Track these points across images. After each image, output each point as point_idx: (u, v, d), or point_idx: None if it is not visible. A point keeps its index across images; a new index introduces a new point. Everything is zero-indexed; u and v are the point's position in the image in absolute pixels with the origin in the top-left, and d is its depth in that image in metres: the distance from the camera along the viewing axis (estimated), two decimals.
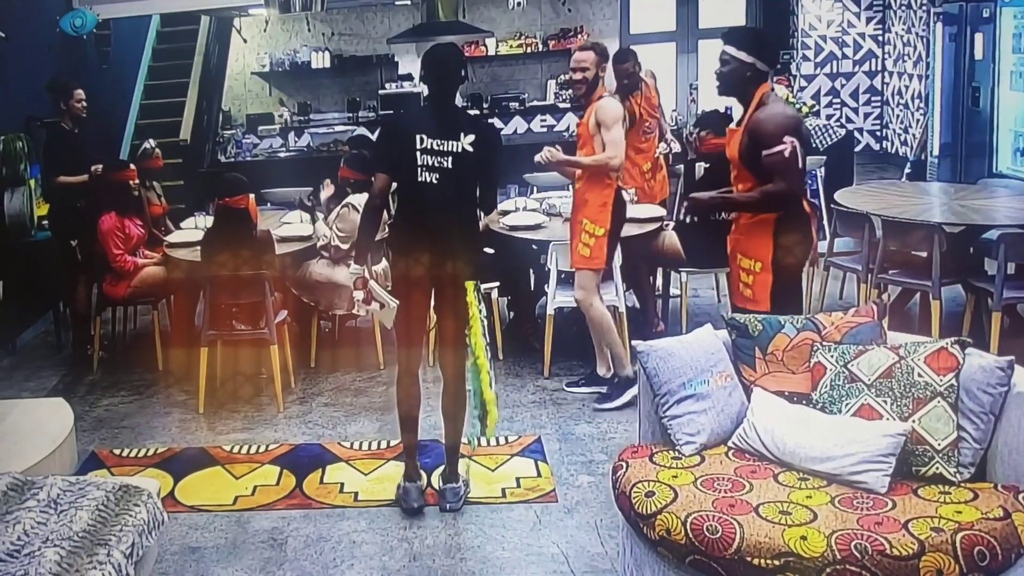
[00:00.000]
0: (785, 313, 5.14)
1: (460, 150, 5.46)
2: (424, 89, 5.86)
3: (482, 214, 6.23)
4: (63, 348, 9.07)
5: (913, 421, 4.17)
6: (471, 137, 5.48)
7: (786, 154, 5.28)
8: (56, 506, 4.27)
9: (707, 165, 8.30)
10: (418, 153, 5.44)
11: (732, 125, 6.11)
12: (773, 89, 5.62)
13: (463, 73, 5.68)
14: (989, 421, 4.15)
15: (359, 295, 5.74)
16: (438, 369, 6.10)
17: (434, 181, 5.46)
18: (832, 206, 8.35)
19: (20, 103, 9.42)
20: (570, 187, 10.50)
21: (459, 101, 5.97)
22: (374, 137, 8.87)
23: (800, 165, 5.34)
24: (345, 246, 7.90)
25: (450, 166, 5.45)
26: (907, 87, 15.96)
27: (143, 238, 8.54)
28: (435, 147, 5.44)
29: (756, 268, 5.53)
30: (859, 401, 4.32)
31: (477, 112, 14.79)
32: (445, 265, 5.57)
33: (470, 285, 5.61)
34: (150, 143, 9.33)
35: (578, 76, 6.81)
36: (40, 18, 10.42)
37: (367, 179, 8.19)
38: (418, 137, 5.43)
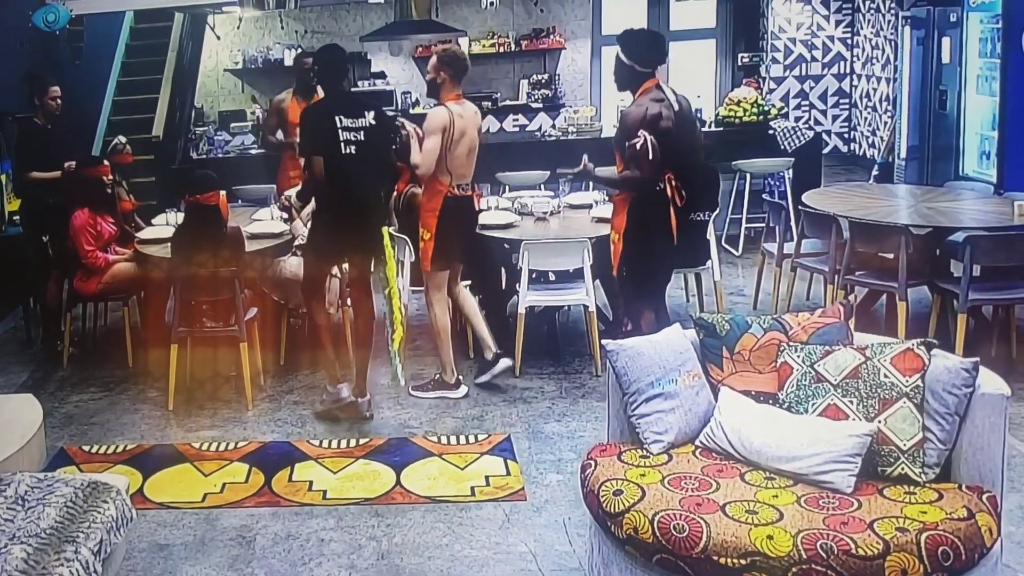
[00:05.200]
0: (634, 280, 6.57)
1: (368, 124, 6.83)
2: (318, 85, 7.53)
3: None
4: (33, 344, 9.03)
5: (879, 421, 4.20)
6: (372, 113, 6.89)
7: (637, 146, 6.16)
8: (24, 503, 4.25)
9: None
10: (339, 131, 6.75)
11: None
12: (659, 86, 6.35)
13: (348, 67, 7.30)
14: (954, 422, 4.19)
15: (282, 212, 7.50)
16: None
17: (353, 152, 6.79)
18: (800, 207, 8.39)
19: None
20: (541, 187, 10.59)
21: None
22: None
23: (650, 156, 6.14)
24: None
25: (363, 138, 6.80)
26: (875, 90, 16.06)
27: (115, 234, 8.51)
28: (350, 124, 6.77)
29: (615, 238, 6.54)
30: (825, 401, 4.35)
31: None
32: (365, 218, 6.99)
33: (385, 230, 7.06)
34: (120, 139, 9.31)
35: (428, 78, 7.32)
36: (12, 13, 10.37)
37: None
38: (337, 118, 6.76)
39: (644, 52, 6.39)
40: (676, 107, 6.31)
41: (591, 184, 10.98)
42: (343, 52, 7.17)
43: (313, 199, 7.25)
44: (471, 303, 7.63)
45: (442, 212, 7.11)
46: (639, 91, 6.36)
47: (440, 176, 7.05)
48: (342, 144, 6.75)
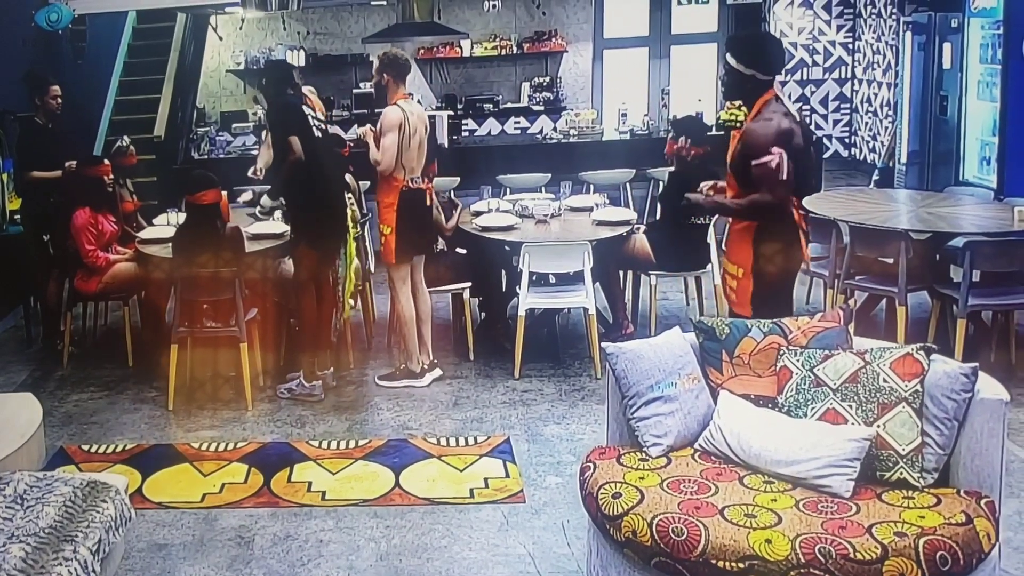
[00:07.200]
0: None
1: (322, 115, 7.85)
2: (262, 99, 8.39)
3: None
4: (33, 343, 9.03)
5: (878, 426, 4.20)
6: (320, 105, 8.06)
7: (772, 165, 5.38)
8: (23, 501, 4.26)
9: (672, 169, 8.45)
10: (308, 117, 7.44)
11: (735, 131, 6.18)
12: (778, 98, 5.66)
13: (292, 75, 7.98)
14: (953, 427, 4.19)
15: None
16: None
17: (319, 133, 7.53)
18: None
19: None
20: (542, 189, 10.59)
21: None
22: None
23: (784, 176, 5.38)
24: None
25: (324, 126, 7.70)
26: (876, 95, 16.06)
27: (116, 234, 8.51)
28: (312, 114, 7.50)
29: (739, 274, 5.68)
30: (824, 405, 4.35)
31: None
32: (339, 199, 7.65)
33: (348, 210, 7.73)
34: (125, 140, 9.29)
35: (373, 83, 7.77)
36: (15, 12, 10.37)
37: None
38: (303, 108, 7.48)
39: (767, 58, 5.71)
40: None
41: (592, 187, 10.99)
42: (285, 63, 8.23)
43: (287, 202, 7.75)
44: (428, 307, 7.81)
45: (399, 206, 7.36)
46: (759, 103, 5.63)
47: (396, 173, 7.32)
48: (313, 128, 7.41)
